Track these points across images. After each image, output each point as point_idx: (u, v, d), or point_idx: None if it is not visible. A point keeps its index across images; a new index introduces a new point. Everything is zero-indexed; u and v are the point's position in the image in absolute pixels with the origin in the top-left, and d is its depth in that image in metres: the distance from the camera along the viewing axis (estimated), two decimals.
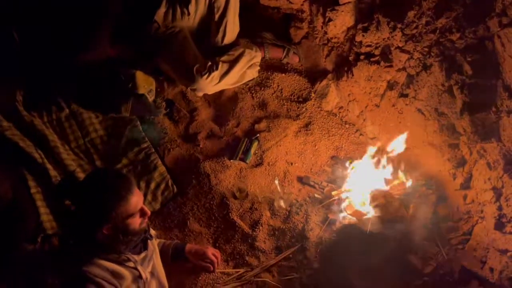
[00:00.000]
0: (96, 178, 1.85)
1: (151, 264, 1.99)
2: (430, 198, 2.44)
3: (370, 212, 2.43)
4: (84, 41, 2.83)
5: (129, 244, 1.85)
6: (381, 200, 2.43)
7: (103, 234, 1.76)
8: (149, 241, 1.98)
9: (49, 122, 2.86)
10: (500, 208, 2.08)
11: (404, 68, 2.48)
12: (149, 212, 1.87)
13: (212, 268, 2.33)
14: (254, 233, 2.50)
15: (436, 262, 2.30)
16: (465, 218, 2.33)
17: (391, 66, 2.55)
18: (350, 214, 2.47)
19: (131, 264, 1.81)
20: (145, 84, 2.89)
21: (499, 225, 2.09)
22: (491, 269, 2.15)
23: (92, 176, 1.91)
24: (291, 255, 2.42)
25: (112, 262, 1.80)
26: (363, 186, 2.54)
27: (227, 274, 2.39)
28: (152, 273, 1.99)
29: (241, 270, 2.38)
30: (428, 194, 2.45)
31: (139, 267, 1.85)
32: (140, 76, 2.86)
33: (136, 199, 1.80)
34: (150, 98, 2.93)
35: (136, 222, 1.82)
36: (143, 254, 1.92)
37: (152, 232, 2.10)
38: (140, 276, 1.85)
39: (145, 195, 2.67)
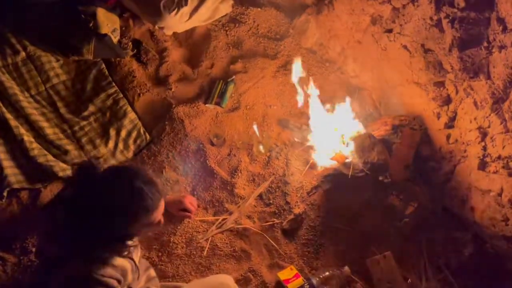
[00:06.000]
0: (130, 188, 1.51)
1: (138, 245, 1.88)
2: (413, 138, 2.37)
3: (352, 155, 2.36)
4: None
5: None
6: (362, 142, 2.36)
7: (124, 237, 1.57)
8: None
9: (4, 67, 2.62)
10: (485, 148, 2.04)
11: (389, 1, 2.31)
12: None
13: (191, 217, 2.28)
14: (233, 179, 2.43)
15: (417, 202, 2.29)
16: (447, 158, 2.30)
17: None
18: (331, 158, 2.41)
19: (129, 255, 1.67)
20: (108, 22, 2.67)
21: (483, 165, 2.06)
22: (472, 209, 2.15)
23: (123, 180, 1.53)
24: (272, 201, 2.37)
25: (117, 256, 1.61)
26: (343, 128, 2.45)
27: (207, 222, 2.34)
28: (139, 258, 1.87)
29: (220, 218, 2.33)
30: (411, 134, 2.38)
31: (134, 256, 1.73)
32: (102, 13, 2.63)
33: (163, 203, 1.62)
34: (115, 38, 2.73)
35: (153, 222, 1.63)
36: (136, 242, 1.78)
37: None
38: (136, 266, 1.74)
39: (116, 144, 2.55)
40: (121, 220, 1.50)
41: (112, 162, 2.50)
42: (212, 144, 2.54)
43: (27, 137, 2.45)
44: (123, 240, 1.57)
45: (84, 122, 2.58)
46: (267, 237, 2.27)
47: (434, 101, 2.28)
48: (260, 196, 2.40)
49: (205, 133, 2.57)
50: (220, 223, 2.33)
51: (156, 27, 2.80)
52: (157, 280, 2.01)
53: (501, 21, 1.75)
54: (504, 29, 1.74)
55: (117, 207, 1.48)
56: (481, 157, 2.06)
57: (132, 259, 1.68)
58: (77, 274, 1.50)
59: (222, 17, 2.92)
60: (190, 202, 2.27)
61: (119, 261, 1.58)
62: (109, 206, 1.47)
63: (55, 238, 1.58)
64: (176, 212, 2.26)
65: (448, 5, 1.94)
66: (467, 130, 2.12)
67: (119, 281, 1.57)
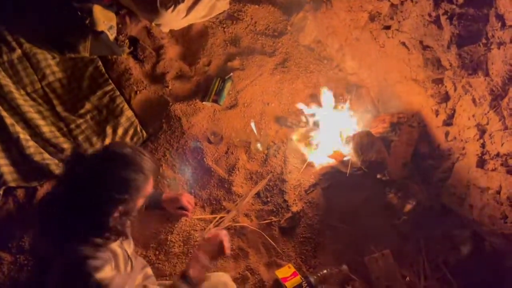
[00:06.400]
0: (121, 156, 1.54)
1: (130, 238, 1.86)
2: (411, 135, 2.36)
3: (350, 153, 2.35)
4: None
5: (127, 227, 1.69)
6: (360, 140, 2.34)
7: (113, 219, 1.54)
8: None
9: (0, 65, 2.59)
10: (483, 146, 2.02)
11: None
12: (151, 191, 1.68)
13: (188, 215, 2.26)
14: (231, 178, 2.42)
15: (416, 200, 2.27)
16: (446, 155, 2.28)
17: None
18: (330, 156, 2.39)
19: (118, 243, 1.66)
20: (104, 19, 2.65)
21: (481, 163, 2.05)
22: (471, 206, 2.14)
23: (115, 153, 1.55)
24: (269, 199, 2.36)
25: (106, 241, 1.59)
26: (342, 126, 2.44)
27: (204, 220, 2.32)
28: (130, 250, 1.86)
29: (218, 216, 2.32)
30: (410, 131, 2.37)
31: (125, 245, 1.72)
32: (98, 11, 2.61)
33: (152, 179, 1.62)
34: (111, 35, 2.71)
35: (141, 203, 1.64)
36: (126, 233, 1.76)
37: None
38: (127, 255, 1.73)
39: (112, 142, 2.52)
40: (107, 200, 1.49)
41: None
42: (210, 142, 2.53)
43: (23, 135, 2.43)
44: (109, 227, 1.55)
45: (81, 120, 2.56)
46: (265, 235, 2.26)
47: (432, 98, 2.26)
48: (257, 194, 2.39)
49: (202, 131, 2.55)
50: (217, 221, 2.31)
51: (153, 24, 2.78)
52: (154, 278, 2.00)
53: (499, 17, 1.73)
54: (503, 26, 1.72)
55: (104, 186, 1.48)
56: (480, 155, 2.05)
57: (124, 249, 1.68)
58: (70, 259, 1.50)
59: (219, 14, 2.90)
60: (187, 200, 2.26)
61: (109, 245, 1.58)
62: (96, 187, 1.47)
63: (47, 232, 1.57)
64: (173, 210, 2.25)
65: (446, 2, 1.92)
66: (466, 127, 2.11)
67: (109, 263, 1.56)
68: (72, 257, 1.50)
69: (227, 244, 1.83)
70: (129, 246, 1.79)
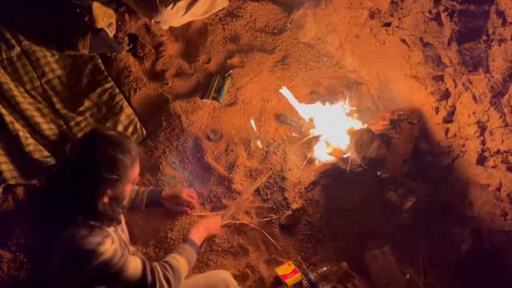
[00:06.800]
0: (109, 137, 1.57)
1: (125, 230, 1.87)
2: (411, 132, 2.36)
3: (350, 150, 2.35)
4: None
5: (118, 213, 1.68)
6: (360, 137, 2.34)
7: (102, 203, 1.55)
8: None
9: None
10: (483, 143, 2.02)
11: None
12: (138, 179, 1.70)
13: (188, 212, 2.27)
14: (231, 175, 2.41)
15: (416, 197, 2.27)
16: (446, 153, 2.28)
17: None
18: (329, 154, 2.39)
19: (113, 229, 1.67)
20: (104, 17, 2.64)
21: (482, 160, 2.05)
22: (471, 203, 2.14)
23: (103, 134, 1.58)
24: (269, 197, 2.36)
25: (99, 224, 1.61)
26: (342, 123, 2.44)
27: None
28: (126, 241, 1.87)
29: (219, 213, 2.31)
30: (410, 128, 2.36)
31: (120, 232, 1.73)
32: (97, 8, 2.60)
33: (138, 164, 1.64)
34: (111, 32, 2.71)
35: (129, 189, 1.66)
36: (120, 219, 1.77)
37: None
38: (123, 242, 1.73)
39: None
40: (95, 180, 1.50)
41: None
42: (209, 140, 2.52)
43: (23, 133, 2.43)
44: (100, 212, 1.56)
45: (80, 118, 2.56)
46: (264, 232, 2.26)
47: (432, 95, 2.26)
48: (257, 192, 2.38)
49: (202, 128, 2.55)
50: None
51: (152, 21, 2.76)
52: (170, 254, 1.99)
53: (500, 14, 1.73)
54: (504, 22, 1.72)
55: (92, 165, 1.50)
56: (480, 152, 2.05)
57: (118, 235, 1.69)
58: (70, 242, 1.50)
59: (219, 11, 2.88)
60: (188, 194, 2.26)
61: (103, 227, 1.59)
62: (84, 166, 1.50)
63: (40, 223, 1.59)
64: (174, 208, 2.24)
65: None
66: (466, 125, 2.11)
67: (108, 237, 1.57)
68: (71, 239, 1.50)
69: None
70: (124, 233, 1.82)
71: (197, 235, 1.96)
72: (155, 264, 1.70)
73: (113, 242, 1.58)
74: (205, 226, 2.04)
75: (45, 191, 1.58)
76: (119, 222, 1.69)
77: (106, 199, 1.56)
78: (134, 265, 1.61)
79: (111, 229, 1.64)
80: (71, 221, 1.52)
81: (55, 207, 1.52)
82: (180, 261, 1.78)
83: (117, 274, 1.56)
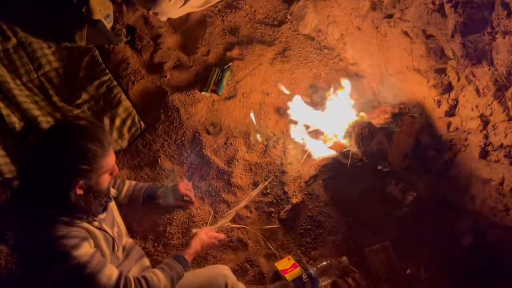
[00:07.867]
0: (77, 126, 1.54)
1: (115, 223, 1.86)
2: (413, 126, 2.33)
3: (350, 144, 2.32)
4: None
5: (96, 206, 1.67)
6: (361, 131, 2.31)
7: (75, 194, 1.53)
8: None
9: None
10: (486, 137, 2.00)
11: None
12: (117, 170, 1.68)
13: (189, 206, 2.26)
14: (230, 169, 2.39)
15: (417, 192, 2.25)
16: (448, 147, 2.26)
17: None
18: (330, 147, 2.37)
19: (96, 224, 1.65)
20: (101, 8, 2.59)
21: (484, 154, 2.02)
22: (473, 198, 2.12)
23: (71, 124, 1.57)
24: (269, 190, 2.34)
25: (84, 222, 1.63)
26: (343, 117, 2.41)
27: (202, 211, 2.30)
28: (118, 234, 1.85)
29: (218, 224, 2.26)
30: (411, 122, 2.34)
31: (104, 226, 1.70)
32: None
33: (113, 154, 1.61)
34: (108, 24, 2.67)
35: (106, 181, 1.63)
36: (104, 215, 1.76)
37: (112, 191, 1.95)
38: (110, 236, 1.72)
39: (110, 133, 2.49)
40: (64, 171, 1.49)
41: None
42: (208, 133, 2.50)
43: (19, 126, 2.40)
44: (72, 203, 1.54)
45: (78, 111, 2.53)
46: (264, 227, 2.24)
47: (434, 89, 2.23)
48: (257, 186, 2.36)
49: (201, 122, 2.53)
50: (214, 221, 2.27)
51: (150, 13, 2.72)
52: (151, 269, 1.98)
53: (505, 5, 1.69)
54: (509, 14, 1.68)
55: (60, 156, 1.47)
56: (483, 146, 2.03)
57: (103, 230, 1.68)
58: (45, 242, 1.50)
59: (218, 2, 2.84)
60: (186, 188, 2.24)
61: (81, 224, 1.59)
62: (52, 157, 1.47)
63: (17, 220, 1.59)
64: (174, 203, 2.23)
65: None
66: (469, 118, 2.08)
67: (86, 240, 1.56)
68: (46, 239, 1.50)
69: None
70: (119, 232, 1.81)
71: (188, 251, 1.92)
72: (131, 278, 1.66)
73: (92, 247, 1.57)
74: (199, 241, 1.98)
75: (18, 187, 1.57)
76: (95, 215, 1.66)
77: (80, 191, 1.53)
78: (108, 274, 1.59)
79: (94, 225, 1.62)
80: (45, 216, 1.51)
81: (28, 202, 1.52)
82: (161, 277, 1.73)
83: (89, 281, 1.54)
